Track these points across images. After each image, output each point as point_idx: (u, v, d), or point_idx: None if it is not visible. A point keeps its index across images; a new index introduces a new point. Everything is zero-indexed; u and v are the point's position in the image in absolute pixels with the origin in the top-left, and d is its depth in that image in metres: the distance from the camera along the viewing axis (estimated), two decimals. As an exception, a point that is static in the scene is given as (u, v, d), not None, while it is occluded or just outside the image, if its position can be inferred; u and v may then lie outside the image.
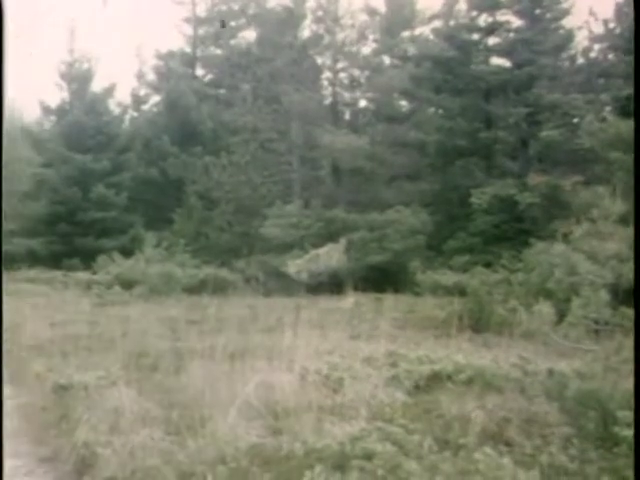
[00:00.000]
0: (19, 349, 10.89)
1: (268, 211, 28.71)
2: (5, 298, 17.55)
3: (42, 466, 6.39)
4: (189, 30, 43.44)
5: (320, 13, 33.77)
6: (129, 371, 7.90)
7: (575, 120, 28.00)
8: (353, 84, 36.27)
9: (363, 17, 36.61)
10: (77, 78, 33.63)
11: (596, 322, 10.33)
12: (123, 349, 9.27)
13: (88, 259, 27.75)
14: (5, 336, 12.42)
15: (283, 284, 23.47)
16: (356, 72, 35.88)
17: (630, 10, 27.14)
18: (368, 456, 5.21)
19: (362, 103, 37.72)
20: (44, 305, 17.47)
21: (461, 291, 18.25)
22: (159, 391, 7.53)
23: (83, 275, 25.52)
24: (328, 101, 35.08)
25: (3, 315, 6.25)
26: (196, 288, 21.84)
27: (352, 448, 5.36)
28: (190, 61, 42.55)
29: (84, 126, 32.83)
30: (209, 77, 43.18)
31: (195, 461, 5.44)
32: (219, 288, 20.35)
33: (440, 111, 34.83)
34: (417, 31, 39.15)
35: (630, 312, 9.40)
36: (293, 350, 8.24)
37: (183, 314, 14.95)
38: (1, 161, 5.91)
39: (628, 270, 12.45)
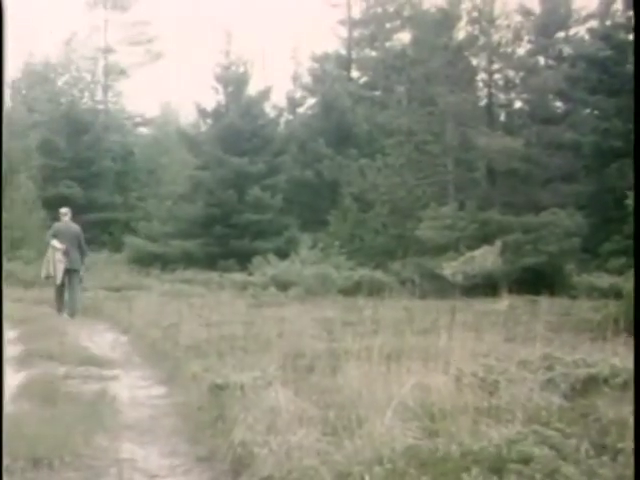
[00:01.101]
0: (176, 349, 11.05)
1: (423, 213, 28.55)
2: (163, 299, 18.01)
3: (199, 465, 6.43)
4: (344, 32, 43.74)
5: (475, 14, 33.43)
6: (285, 371, 7.89)
7: None
8: (508, 85, 35.81)
9: (518, 18, 36.18)
10: (233, 81, 34.09)
11: None
12: (279, 350, 9.28)
13: (244, 260, 28.13)
14: (162, 336, 12.65)
15: (438, 286, 23.31)
16: (511, 73, 35.42)
17: None
18: (525, 460, 5.09)
19: (517, 104, 37.27)
20: (200, 306, 17.73)
21: (617, 294, 17.92)
22: (315, 391, 7.49)
23: (239, 276, 25.84)
24: (483, 102, 34.71)
25: (2, 317, 6.32)
26: (351, 290, 21.88)
27: (508, 451, 5.24)
28: (345, 63, 42.80)
29: (240, 129, 33.26)
30: (364, 79, 43.37)
31: (352, 462, 5.36)
32: (374, 290, 20.28)
33: (595, 112, 34.29)
34: (572, 31, 38.66)
35: None
36: (448, 352, 8.11)
37: (339, 315, 14.91)
38: (1, 159, 5.96)
39: None
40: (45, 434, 6.75)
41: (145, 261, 30.18)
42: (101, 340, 14.02)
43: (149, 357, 11.85)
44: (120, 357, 12.22)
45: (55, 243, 18.30)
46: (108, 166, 39.95)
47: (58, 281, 18.11)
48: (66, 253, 18.20)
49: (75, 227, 19.18)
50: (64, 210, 19.48)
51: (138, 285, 23.91)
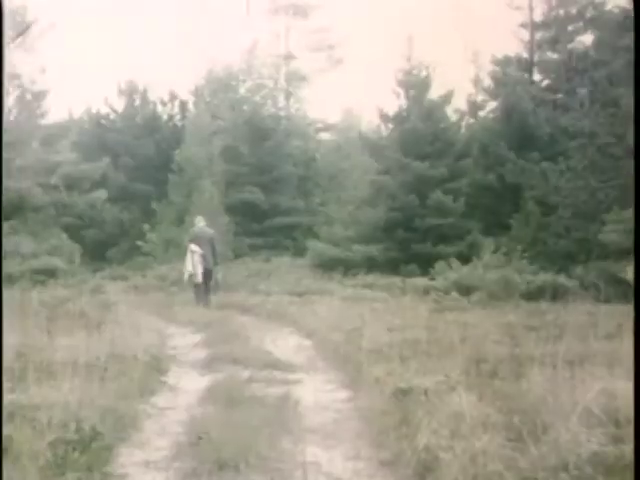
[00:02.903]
0: (359, 353, 11.11)
1: (606, 216, 27.89)
2: (345, 303, 18.08)
3: (383, 469, 6.45)
4: (526, 35, 43.13)
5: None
6: (468, 376, 7.86)
7: None
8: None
9: None
10: (415, 85, 34.08)
11: None
12: (462, 354, 9.24)
13: (425, 265, 28.03)
14: (345, 340, 12.73)
15: (621, 290, 22.71)
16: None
17: None
18: None
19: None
20: (382, 310, 17.78)
21: None
22: (499, 397, 7.41)
23: (420, 281, 25.77)
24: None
25: (2, 317, 6.38)
26: (534, 294, 21.56)
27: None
28: (527, 66, 42.20)
29: (421, 133, 33.22)
30: (546, 82, 42.68)
31: (537, 468, 5.32)
32: (557, 294, 19.97)
33: None
34: None
35: None
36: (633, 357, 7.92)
37: (521, 320, 14.75)
38: (1, 157, 6.01)
39: None
40: (231, 437, 6.89)
41: (327, 266, 30.43)
42: (284, 344, 14.19)
43: (332, 361, 11.96)
44: (303, 361, 12.35)
45: (193, 247, 21.41)
46: (290, 171, 40.48)
47: (198, 280, 21.23)
48: (203, 256, 21.25)
49: (209, 232, 22.34)
50: (199, 217, 22.88)
51: (321, 290, 24.12)
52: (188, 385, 10.41)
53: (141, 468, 6.76)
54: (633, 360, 5.47)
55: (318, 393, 9.73)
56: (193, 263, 21.37)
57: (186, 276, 21.76)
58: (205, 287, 21.52)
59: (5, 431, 6.70)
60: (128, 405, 8.40)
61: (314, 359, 12.52)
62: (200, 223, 22.46)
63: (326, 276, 29.00)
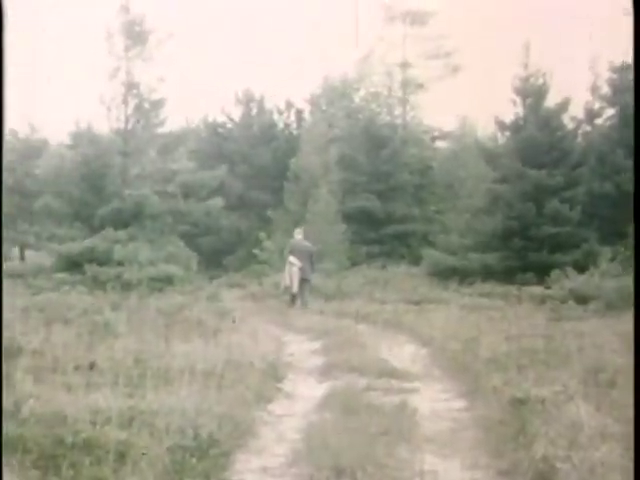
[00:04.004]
0: (475, 362, 11.10)
1: None
2: (461, 312, 18.00)
3: (501, 479, 6.47)
4: (644, 40, 42.29)
5: None
6: (586, 386, 7.82)
7: None
8: None
9: None
10: (532, 93, 33.71)
11: None
12: (579, 364, 9.18)
13: (542, 274, 27.74)
14: (462, 349, 12.73)
15: None
16: None
17: None
18: None
19: None
20: (499, 319, 17.68)
21: None
22: (617, 407, 7.36)
23: (537, 289, 25.49)
24: None
25: (2, 317, 6.42)
26: (652, 303, 21.17)
27: None
28: (645, 72, 41.41)
29: (538, 141, 32.85)
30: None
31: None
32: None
33: None
34: None
35: None
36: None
37: (640, 330, 14.52)
38: (1, 163, 6.04)
39: None
40: (348, 445, 6.96)
41: (443, 274, 30.32)
42: (401, 352, 14.20)
43: (449, 370, 11.94)
44: (420, 370, 12.36)
45: (292, 259, 22.66)
46: (406, 180, 40.38)
47: (294, 289, 22.50)
48: (301, 268, 22.53)
49: (307, 244, 23.50)
50: (298, 230, 24.04)
51: (437, 298, 24.05)
52: (305, 392, 10.52)
53: (258, 475, 6.86)
54: (633, 360, 5.43)
55: (434, 402, 9.75)
56: (290, 274, 22.64)
57: (283, 286, 23.09)
58: (301, 297, 22.65)
59: (123, 436, 6.89)
60: (245, 412, 8.52)
61: (430, 368, 12.52)
62: (298, 235, 23.63)
63: (442, 284, 28.90)
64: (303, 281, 22.73)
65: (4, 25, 5.14)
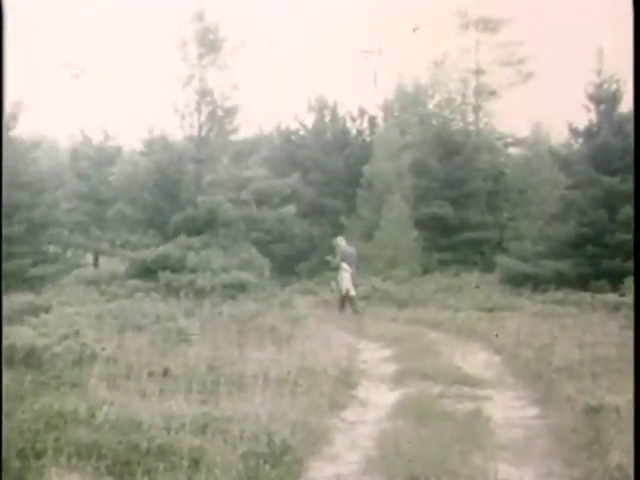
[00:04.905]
0: (548, 370, 11.08)
1: None
2: (534, 319, 17.88)
3: (574, 488, 6.47)
4: None
5: None
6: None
7: None
8: None
9: None
10: (605, 99, 33.42)
11: None
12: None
13: (615, 281, 27.45)
14: (535, 356, 12.69)
15: None
16: None
17: None
18: None
19: None
20: (572, 326, 17.54)
21: None
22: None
23: (610, 297, 25.21)
24: None
25: (3, 320, 6.44)
26: None
27: None
28: None
29: (612, 147, 32.50)
30: None
31: None
32: None
33: None
34: None
35: None
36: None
37: None
38: (1, 164, 6.09)
39: None
40: (421, 452, 7.00)
41: (516, 281, 30.10)
42: (474, 360, 14.20)
43: (522, 377, 11.92)
44: (493, 377, 12.36)
45: (345, 266, 23.96)
46: (479, 186, 40.18)
47: (353, 293, 23.69)
48: (352, 273, 23.82)
49: (353, 250, 25.00)
50: (341, 238, 25.93)
51: (510, 305, 23.93)
52: (378, 399, 10.57)
53: (331, 482, 6.96)
54: (633, 360, 5.40)
55: (508, 409, 9.75)
56: (342, 279, 23.97)
57: (343, 291, 23.85)
58: (352, 302, 23.76)
59: (197, 442, 7.01)
60: (319, 419, 8.59)
61: (503, 375, 12.51)
62: (342, 243, 25.33)
63: (515, 292, 28.72)
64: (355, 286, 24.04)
65: (4, 25, 5.27)
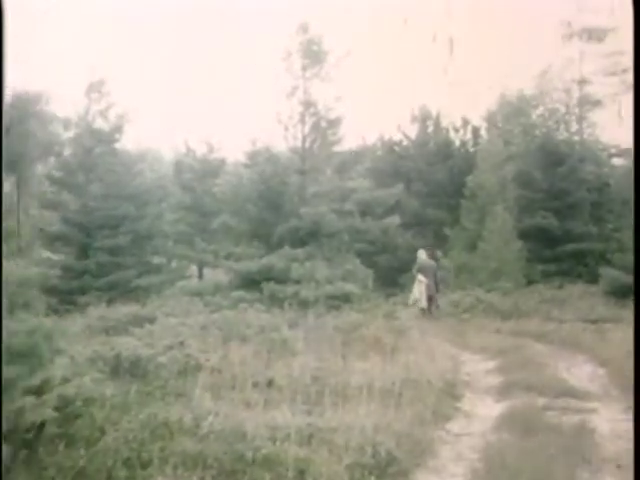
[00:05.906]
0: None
1: None
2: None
3: None
4: None
5: None
6: None
7: None
8: None
9: None
10: None
11: None
12: None
13: None
14: None
15: None
16: None
17: None
18: None
19: None
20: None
21: None
22: None
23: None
24: None
25: (2, 320, 6.46)
26: None
27: None
28: None
29: None
30: None
31: None
32: None
33: None
34: None
35: None
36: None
37: None
38: (1, 163, 6.14)
39: None
40: (527, 465, 7.04)
41: (621, 293, 29.68)
42: (579, 372, 14.12)
43: (628, 390, 11.85)
44: (598, 389, 12.28)
45: (420, 277, 24.72)
46: (583, 197, 39.69)
47: (423, 304, 24.46)
48: (428, 285, 24.63)
49: (432, 262, 26.15)
50: (421, 250, 26.36)
51: (614, 317, 23.65)
52: (483, 411, 10.60)
53: (437, 494, 7.04)
54: (633, 360, 5.37)
55: (613, 422, 9.71)
56: (420, 291, 24.71)
57: (411, 301, 24.86)
58: (428, 311, 24.56)
59: (303, 453, 7.13)
60: (424, 431, 8.66)
61: (609, 387, 12.43)
62: (422, 255, 25.90)
63: (620, 303, 28.35)
64: (429, 298, 24.85)
65: (4, 25, 5.44)
